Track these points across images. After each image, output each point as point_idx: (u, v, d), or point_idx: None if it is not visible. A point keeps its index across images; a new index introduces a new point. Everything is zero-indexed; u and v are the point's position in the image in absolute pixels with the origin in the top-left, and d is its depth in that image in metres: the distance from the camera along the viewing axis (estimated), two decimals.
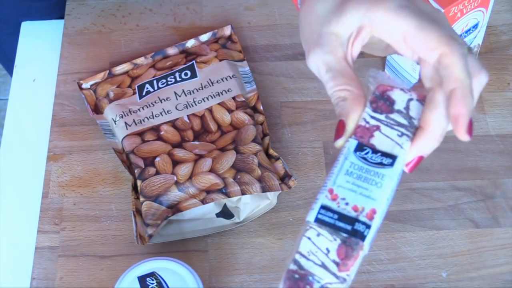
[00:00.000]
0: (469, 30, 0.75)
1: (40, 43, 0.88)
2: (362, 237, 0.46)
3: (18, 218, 0.75)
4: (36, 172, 0.77)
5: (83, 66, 0.84)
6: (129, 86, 0.80)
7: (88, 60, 0.85)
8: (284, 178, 0.73)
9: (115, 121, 0.77)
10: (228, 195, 0.70)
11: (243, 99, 0.77)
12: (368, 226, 0.46)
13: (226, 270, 0.71)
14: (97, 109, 0.79)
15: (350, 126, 0.49)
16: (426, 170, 0.76)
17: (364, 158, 0.48)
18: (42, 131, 0.80)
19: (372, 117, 0.49)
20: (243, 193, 0.70)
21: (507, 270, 0.70)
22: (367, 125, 0.49)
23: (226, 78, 0.78)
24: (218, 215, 0.72)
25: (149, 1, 0.89)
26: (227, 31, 0.84)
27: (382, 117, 0.49)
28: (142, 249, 0.71)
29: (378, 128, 0.49)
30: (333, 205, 0.47)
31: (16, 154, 0.79)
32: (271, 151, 0.75)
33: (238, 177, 0.71)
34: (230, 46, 0.83)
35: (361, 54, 0.83)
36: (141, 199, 0.71)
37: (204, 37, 0.84)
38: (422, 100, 0.49)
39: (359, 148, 0.48)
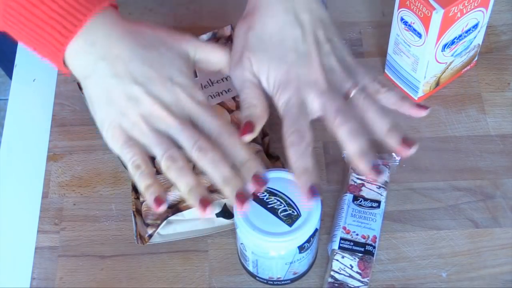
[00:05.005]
0: (469, 30, 0.75)
1: None
2: (372, 254, 0.68)
3: (18, 218, 0.75)
4: (36, 172, 0.77)
5: None
6: None
7: None
8: None
9: None
10: None
11: None
12: (374, 247, 0.69)
13: (226, 270, 0.70)
14: None
15: (258, 128, 0.63)
16: (426, 170, 0.76)
17: (360, 205, 0.71)
18: (42, 131, 0.80)
19: (358, 178, 0.72)
20: None
21: (507, 270, 0.70)
22: (355, 184, 0.72)
23: (226, 78, 0.78)
24: (218, 215, 0.71)
25: (149, 1, 0.89)
26: (227, 31, 0.84)
27: (363, 177, 0.72)
28: (142, 249, 0.71)
29: (363, 184, 0.72)
30: (348, 236, 0.69)
31: (16, 154, 0.79)
32: (271, 151, 0.75)
33: None
34: (230, 46, 0.82)
35: (361, 54, 0.84)
36: (141, 199, 0.71)
37: (204, 37, 0.83)
38: (386, 165, 0.73)
39: (355, 199, 0.71)
